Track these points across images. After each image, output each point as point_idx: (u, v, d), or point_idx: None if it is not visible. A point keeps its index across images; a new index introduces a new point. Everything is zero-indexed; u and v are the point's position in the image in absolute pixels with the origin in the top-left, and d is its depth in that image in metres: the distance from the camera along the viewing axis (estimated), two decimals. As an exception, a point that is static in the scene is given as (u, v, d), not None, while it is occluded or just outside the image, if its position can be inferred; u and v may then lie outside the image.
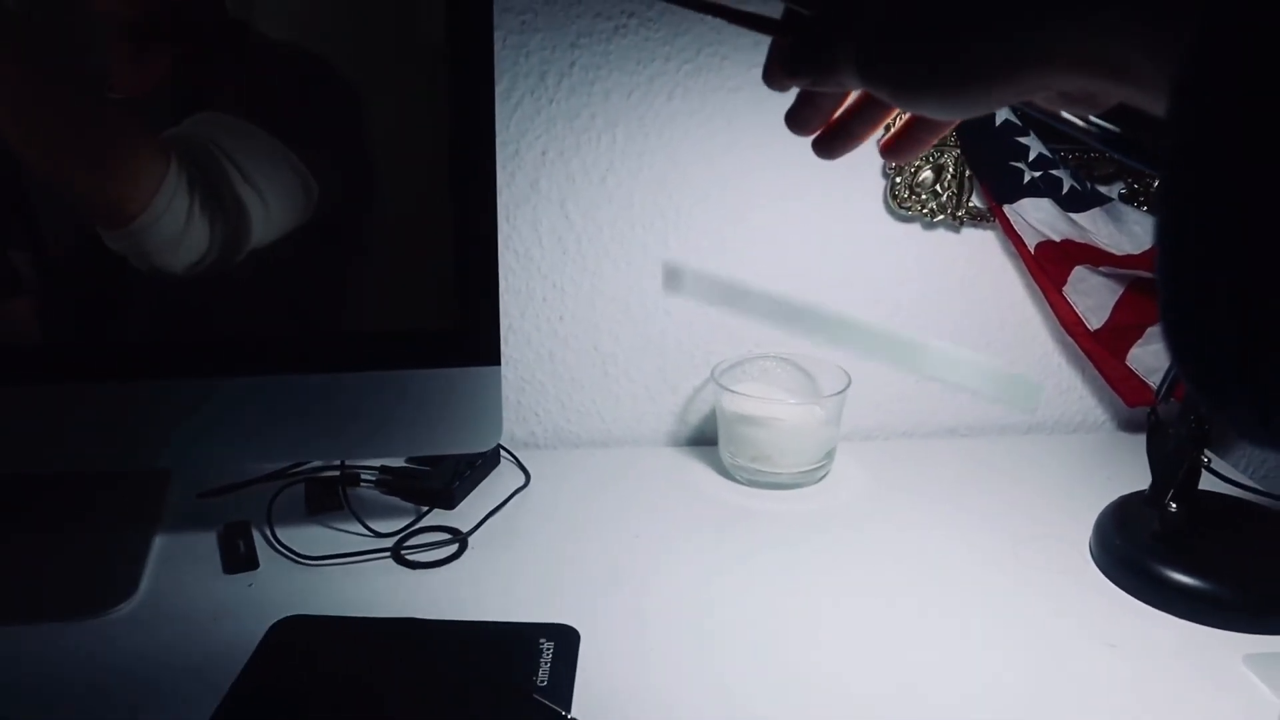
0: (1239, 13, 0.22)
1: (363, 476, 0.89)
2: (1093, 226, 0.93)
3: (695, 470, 0.96)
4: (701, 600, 0.74)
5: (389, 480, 0.89)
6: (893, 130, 0.48)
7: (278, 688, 0.65)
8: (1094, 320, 0.97)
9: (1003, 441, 1.04)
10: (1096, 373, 1.02)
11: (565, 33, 0.89)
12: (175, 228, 0.67)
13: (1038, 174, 0.92)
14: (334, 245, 0.75)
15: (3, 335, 0.72)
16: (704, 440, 1.02)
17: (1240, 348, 0.23)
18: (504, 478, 0.92)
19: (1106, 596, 0.76)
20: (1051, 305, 0.99)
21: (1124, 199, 0.97)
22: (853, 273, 0.99)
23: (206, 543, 0.80)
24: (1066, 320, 0.98)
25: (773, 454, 0.91)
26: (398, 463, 0.91)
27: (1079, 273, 0.95)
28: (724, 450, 0.95)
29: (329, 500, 0.85)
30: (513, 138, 0.91)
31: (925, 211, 0.96)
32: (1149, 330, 0.97)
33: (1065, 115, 0.40)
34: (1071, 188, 0.93)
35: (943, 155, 0.95)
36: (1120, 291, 0.96)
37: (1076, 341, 1.00)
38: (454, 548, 0.80)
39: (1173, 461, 0.78)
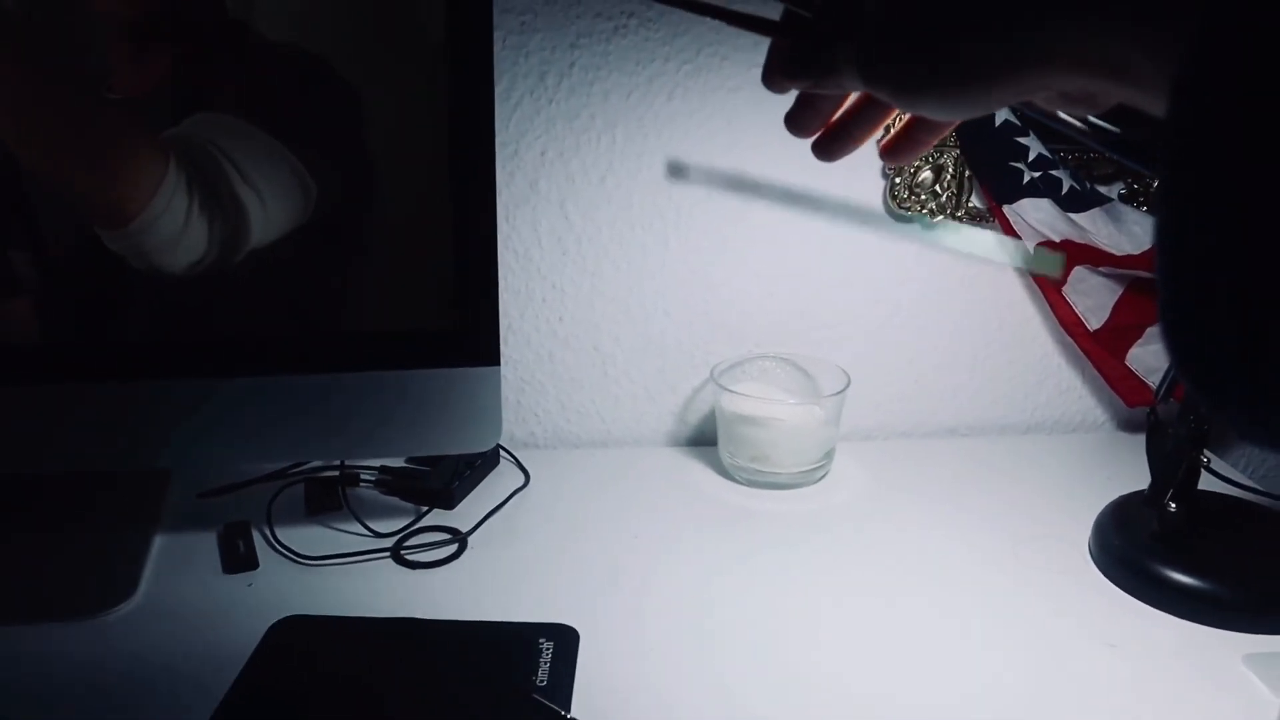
0: (1239, 13, 0.22)
1: (362, 476, 0.89)
2: (1092, 227, 0.94)
3: (695, 470, 0.96)
4: (701, 600, 0.74)
5: (388, 480, 0.89)
6: (892, 132, 0.48)
7: (277, 688, 0.65)
8: (1093, 320, 0.97)
9: (1002, 441, 1.04)
10: (1096, 373, 1.02)
11: (565, 33, 0.89)
12: (174, 228, 0.67)
13: (1037, 174, 0.92)
14: (333, 245, 0.75)
15: (3, 335, 0.72)
16: (703, 440, 1.02)
17: (1240, 348, 0.23)
18: (503, 478, 0.92)
19: (1106, 596, 0.76)
20: (1051, 305, 0.99)
21: (1123, 199, 0.97)
22: (853, 273, 0.99)
23: (206, 543, 0.80)
24: (1066, 320, 0.98)
25: (772, 454, 0.91)
26: (397, 463, 0.91)
27: (1078, 273, 0.95)
28: (723, 450, 0.95)
29: (329, 500, 0.85)
30: (512, 138, 0.91)
31: (925, 212, 0.96)
32: (1148, 330, 0.97)
33: (1063, 116, 0.40)
34: (1071, 188, 0.93)
35: (942, 156, 0.95)
36: (1120, 292, 0.96)
37: (1076, 341, 1.00)
38: (453, 548, 0.80)
39: (1172, 461, 0.78)
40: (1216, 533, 0.80)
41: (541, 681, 0.64)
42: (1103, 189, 0.96)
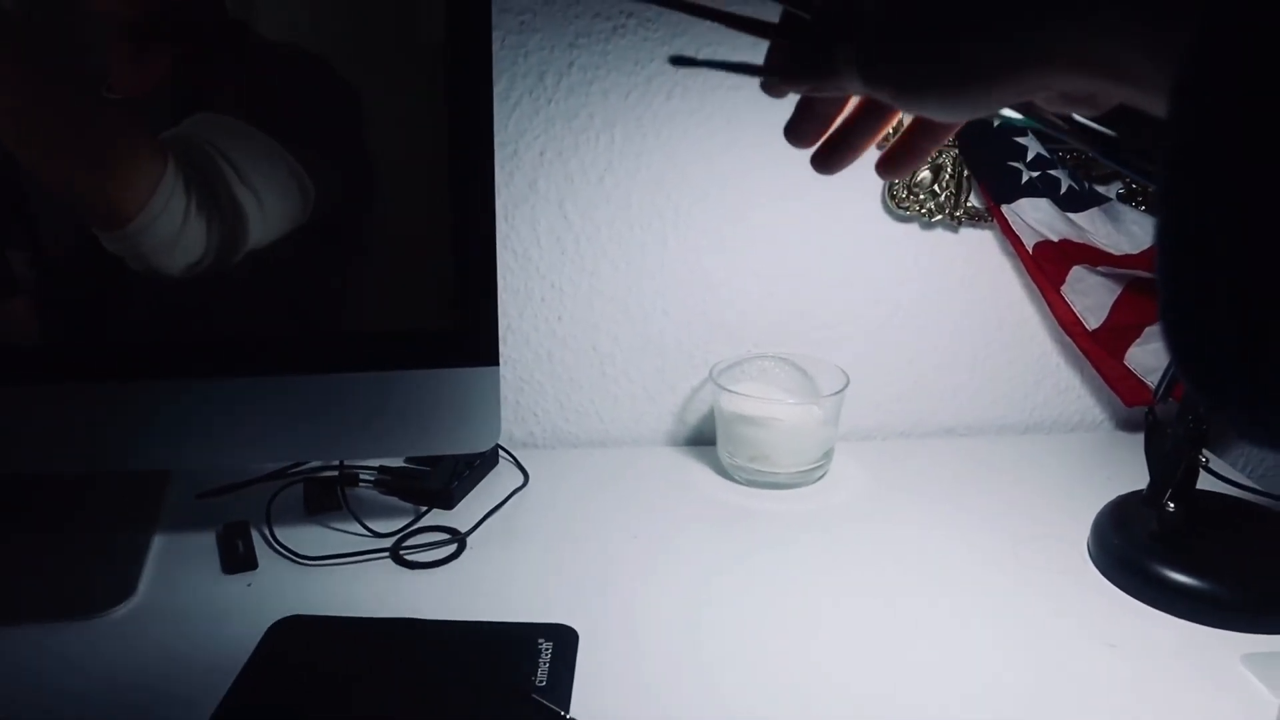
0: (1239, 13, 0.22)
1: (361, 476, 0.89)
2: (1091, 226, 0.94)
3: (694, 470, 0.96)
4: (700, 600, 0.74)
5: (388, 480, 0.89)
6: (890, 143, 0.47)
7: (277, 688, 0.65)
8: (1092, 320, 0.97)
9: (1001, 441, 1.04)
10: (1095, 372, 1.02)
11: (564, 33, 0.89)
12: (172, 229, 0.67)
13: (1036, 174, 0.92)
14: (333, 245, 0.75)
15: (3, 335, 0.72)
16: (702, 440, 1.02)
17: (1240, 348, 0.23)
18: (502, 478, 0.92)
19: (1105, 596, 0.76)
20: (1050, 305, 0.99)
21: (1122, 199, 0.97)
22: (852, 272, 0.99)
23: (205, 543, 0.80)
24: (1065, 320, 0.98)
25: (771, 454, 0.91)
26: (396, 463, 0.91)
27: (1077, 272, 0.95)
28: (722, 450, 0.95)
29: (328, 500, 0.85)
30: (511, 138, 0.91)
31: (924, 211, 0.96)
32: (1147, 330, 0.97)
33: (1053, 119, 0.39)
34: (1070, 188, 0.93)
35: (941, 156, 0.95)
36: (1118, 291, 0.96)
37: (1075, 341, 1.00)
38: (453, 548, 0.80)
39: (1171, 461, 0.78)
40: (1215, 532, 0.80)
41: (541, 681, 0.64)
42: (1101, 189, 0.96)
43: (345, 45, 0.70)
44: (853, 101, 0.46)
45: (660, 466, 0.96)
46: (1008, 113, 0.39)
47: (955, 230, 0.98)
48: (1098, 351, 0.99)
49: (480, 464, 0.91)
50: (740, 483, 0.93)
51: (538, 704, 0.62)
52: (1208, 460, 0.79)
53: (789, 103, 0.47)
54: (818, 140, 0.47)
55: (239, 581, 0.76)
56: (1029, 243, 0.95)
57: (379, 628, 0.70)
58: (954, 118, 0.38)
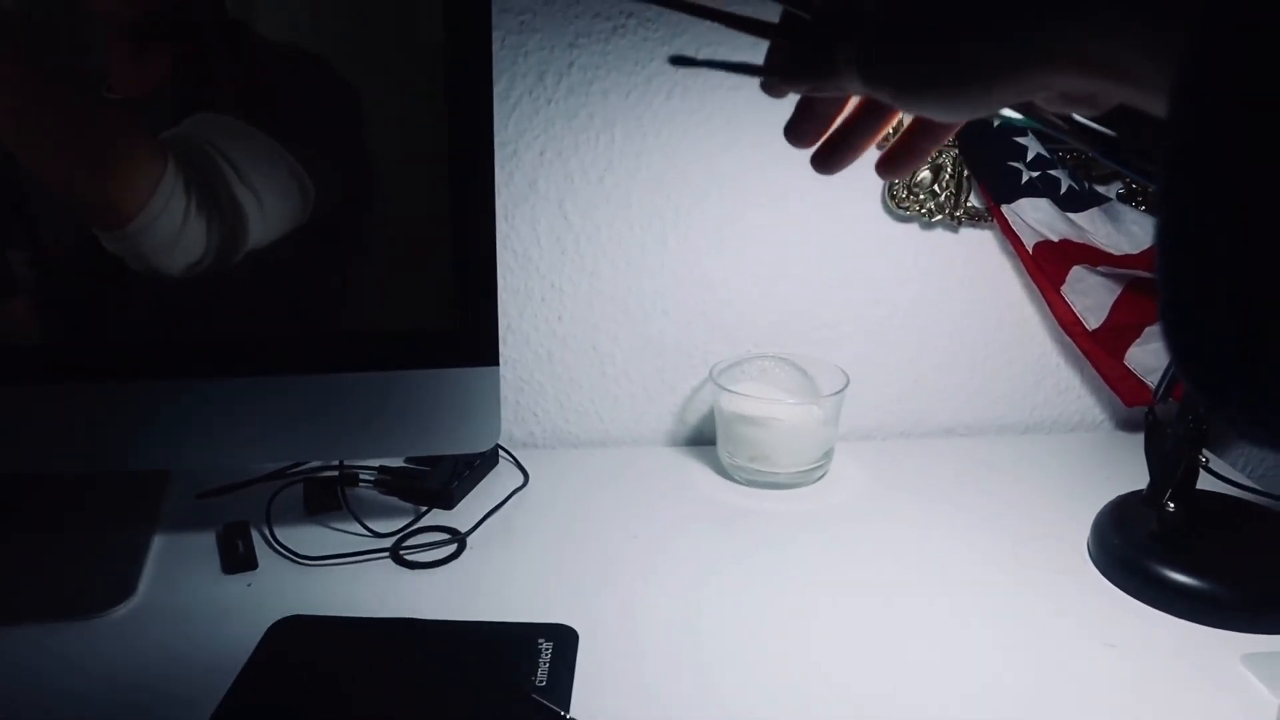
0: (1239, 13, 0.22)
1: (361, 476, 0.89)
2: (1091, 226, 0.94)
3: (693, 470, 0.96)
4: (700, 600, 0.74)
5: (387, 480, 0.89)
6: (890, 144, 0.47)
7: (276, 688, 0.65)
8: (1092, 320, 0.97)
9: (1000, 441, 1.04)
10: (1095, 372, 1.02)
11: (563, 33, 0.89)
12: (172, 229, 0.67)
13: (1036, 174, 0.92)
14: (332, 245, 0.75)
15: (3, 335, 0.72)
16: (702, 440, 1.02)
17: (1240, 348, 0.23)
18: (502, 478, 0.92)
19: (1105, 596, 0.76)
20: (1050, 305, 0.99)
21: (1122, 199, 0.97)
22: (851, 273, 0.99)
23: (205, 543, 0.80)
24: (1065, 320, 0.98)
25: (771, 454, 0.91)
26: (396, 463, 0.91)
27: (1077, 272, 0.95)
28: (722, 450, 0.95)
29: (328, 500, 0.85)
30: (511, 138, 0.91)
31: (923, 211, 0.96)
32: (1147, 330, 0.97)
33: (1053, 119, 0.39)
34: (1069, 188, 0.93)
35: (941, 156, 0.95)
36: (1118, 291, 0.96)
37: (1075, 341, 1.00)
38: (453, 548, 0.80)
39: (1171, 461, 0.78)
40: (1215, 532, 0.80)
41: (540, 681, 0.64)
42: (1101, 189, 0.96)
43: (345, 45, 0.70)
44: (853, 102, 0.46)
45: (660, 466, 0.96)
46: (1008, 113, 0.39)
47: (955, 230, 0.98)
48: (1098, 351, 0.99)
49: (480, 464, 0.91)
50: (740, 483, 0.93)
51: (537, 704, 0.62)
52: (1208, 460, 0.79)
53: (789, 103, 0.47)
54: (818, 140, 0.47)
55: (239, 581, 0.76)
56: (1029, 243, 0.95)
57: (379, 628, 0.70)
58: (954, 118, 0.38)
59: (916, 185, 0.96)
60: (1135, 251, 0.92)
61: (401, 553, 0.79)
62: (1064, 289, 0.96)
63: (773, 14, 0.43)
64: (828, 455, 0.94)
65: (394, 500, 0.87)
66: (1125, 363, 0.99)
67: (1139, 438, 0.83)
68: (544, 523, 0.85)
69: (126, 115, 0.70)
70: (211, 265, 0.70)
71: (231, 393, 0.72)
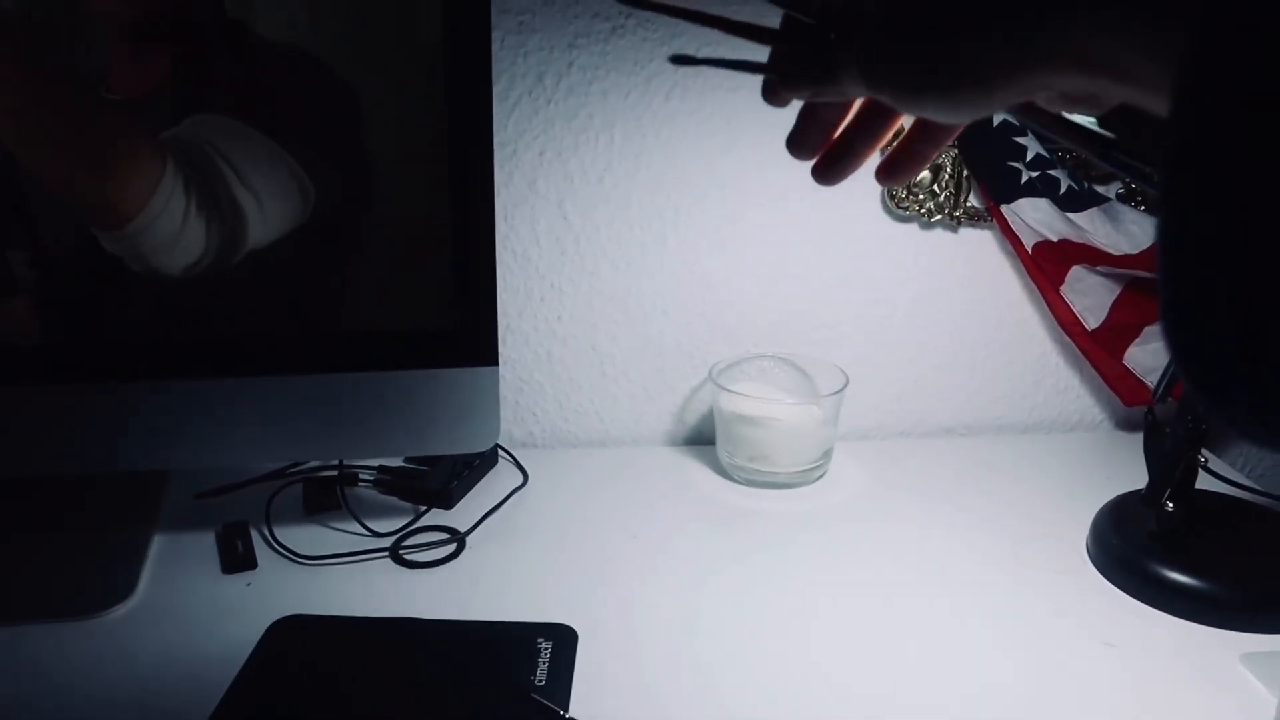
0: (1239, 13, 0.22)
1: (361, 476, 0.89)
2: (1090, 226, 0.94)
3: (693, 470, 0.96)
4: (699, 600, 0.74)
5: (387, 480, 0.89)
6: (890, 150, 0.47)
7: (276, 688, 0.65)
8: (1091, 320, 0.97)
9: (1000, 441, 1.04)
10: (1094, 372, 1.02)
11: (563, 33, 0.89)
12: (171, 229, 0.67)
13: (1035, 174, 0.92)
14: (332, 246, 0.75)
15: (3, 335, 0.71)
16: (702, 440, 1.02)
17: (1240, 348, 0.23)
18: (502, 477, 0.92)
19: (1104, 596, 0.76)
20: (1049, 305, 0.99)
21: (1121, 199, 0.97)
22: (851, 273, 0.99)
23: (205, 543, 0.80)
24: (1064, 320, 0.98)
25: (770, 454, 0.91)
26: (396, 462, 0.91)
27: (1076, 272, 0.95)
28: (722, 450, 0.95)
29: (327, 500, 0.85)
30: (510, 138, 0.91)
31: (923, 211, 0.96)
32: (1146, 329, 0.97)
33: (1050, 122, 0.39)
34: (1069, 188, 0.93)
35: (940, 156, 0.95)
36: (1117, 291, 0.96)
37: (1074, 341, 1.00)
38: (452, 547, 0.80)
39: (1170, 461, 0.78)
40: (1214, 532, 0.80)
41: (540, 681, 0.64)
42: (1100, 189, 0.96)
43: (345, 45, 0.70)
44: (854, 108, 0.46)
45: (659, 466, 0.96)
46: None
47: (955, 230, 0.98)
48: (1097, 351, 0.99)
49: (479, 464, 0.91)
50: (739, 482, 0.93)
51: (537, 703, 0.62)
52: (1206, 460, 0.79)
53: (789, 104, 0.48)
54: (821, 148, 0.47)
55: (238, 581, 0.76)
56: (1028, 243, 0.95)
57: (378, 627, 0.70)
58: (955, 118, 0.38)
59: (916, 185, 0.96)
60: (1134, 251, 0.92)
61: (401, 552, 0.79)
62: (1063, 289, 0.96)
63: (774, 19, 0.43)
64: (827, 455, 0.94)
65: (393, 500, 0.87)
66: (1124, 362, 0.99)
67: (1138, 437, 0.83)
68: (543, 522, 0.85)
69: (126, 115, 0.70)
70: (211, 265, 0.70)
71: (231, 393, 0.72)
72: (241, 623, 0.70)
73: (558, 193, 0.93)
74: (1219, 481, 0.84)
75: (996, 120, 0.92)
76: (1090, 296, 0.96)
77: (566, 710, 0.62)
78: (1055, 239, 0.93)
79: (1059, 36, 0.31)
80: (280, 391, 0.73)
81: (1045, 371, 1.05)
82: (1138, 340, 0.98)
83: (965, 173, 0.95)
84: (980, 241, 0.99)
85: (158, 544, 0.80)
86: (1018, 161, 0.92)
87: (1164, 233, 0.25)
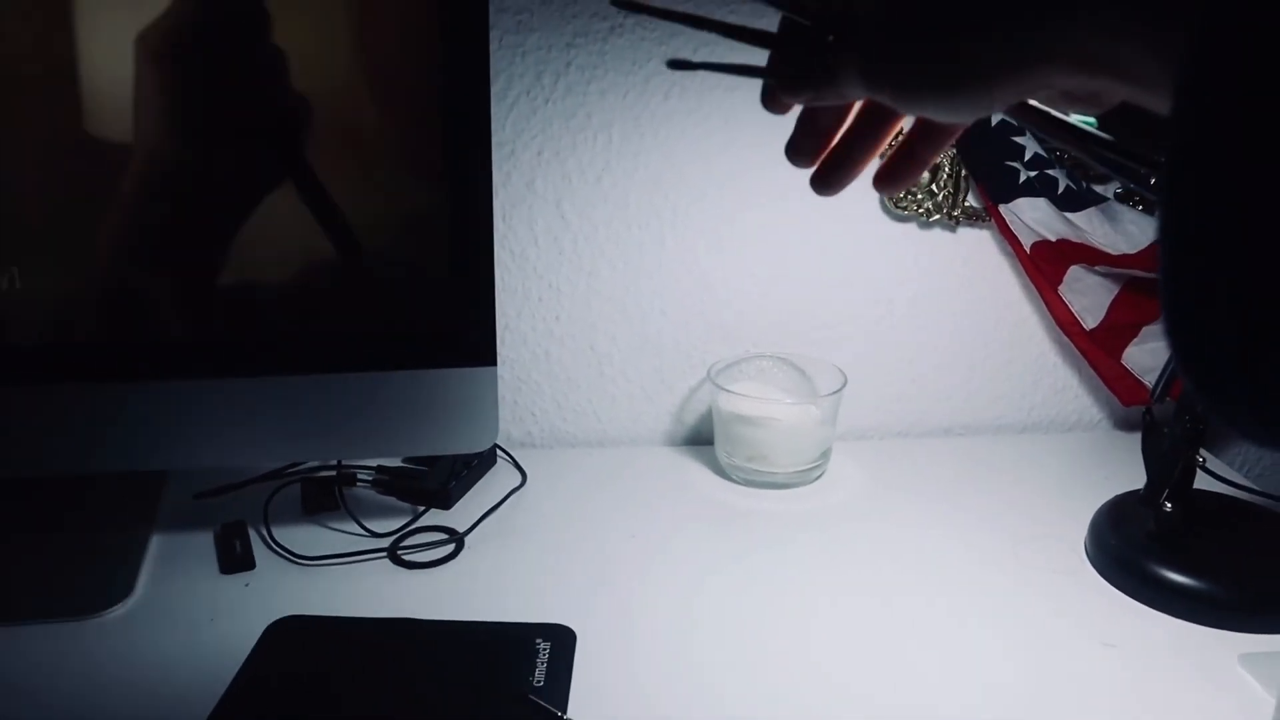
0: (1239, 13, 0.22)
1: (359, 476, 0.89)
2: (1088, 226, 0.94)
3: (691, 470, 0.96)
4: (698, 600, 0.74)
5: (385, 480, 0.89)
6: (889, 154, 0.47)
7: (275, 688, 0.64)
8: (1090, 320, 0.97)
9: (998, 441, 1.04)
10: (1092, 372, 1.02)
11: (561, 33, 0.89)
12: None
13: (1033, 174, 0.92)
14: (330, 245, 0.75)
15: (3, 335, 0.71)
16: (700, 440, 1.02)
17: (1240, 348, 0.23)
18: (500, 477, 0.92)
19: (1102, 596, 0.76)
20: (1047, 304, 0.99)
21: (1119, 199, 0.97)
22: (850, 273, 0.99)
23: (203, 543, 0.80)
24: (1062, 319, 0.98)
25: (769, 454, 0.91)
26: (394, 462, 0.91)
27: (1075, 272, 0.95)
28: (720, 450, 0.95)
29: (325, 500, 0.85)
30: (509, 138, 0.91)
31: (921, 211, 0.96)
32: (1145, 329, 0.97)
33: (1058, 117, 0.39)
34: (1067, 187, 0.93)
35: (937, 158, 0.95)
36: (1116, 291, 0.96)
37: (1072, 341, 1.00)
38: (450, 548, 0.80)
39: (1168, 461, 0.78)
40: (1212, 532, 0.80)
41: (538, 682, 0.64)
42: (1099, 188, 0.96)
43: (341, 44, 0.70)
44: (853, 112, 0.46)
45: (658, 466, 0.96)
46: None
47: (953, 230, 0.98)
48: (1095, 351, 0.99)
49: (478, 464, 0.91)
50: (738, 482, 0.93)
51: (535, 704, 0.62)
52: (1205, 460, 0.79)
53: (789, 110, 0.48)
54: (820, 154, 0.47)
55: (237, 581, 0.76)
56: (1026, 242, 0.95)
57: (377, 628, 0.70)
58: (955, 118, 0.38)
59: (915, 185, 0.96)
60: (1133, 251, 0.93)
61: (399, 552, 0.79)
62: (1061, 289, 0.96)
63: (772, 23, 0.43)
64: (826, 455, 0.94)
65: (392, 500, 0.87)
66: (1123, 362, 0.99)
67: (1136, 437, 0.83)
68: (542, 522, 0.85)
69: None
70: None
71: (229, 393, 0.72)
72: (240, 623, 0.70)
73: (556, 192, 0.93)
74: (1217, 481, 0.85)
75: (994, 120, 0.92)
76: (1088, 296, 0.97)
77: (565, 711, 0.62)
78: (1053, 239, 0.93)
79: (1059, 36, 0.31)
80: (278, 391, 0.73)
81: (1044, 371, 1.05)
82: (1136, 340, 0.98)
83: (963, 173, 0.95)
84: (979, 241, 0.99)
85: (156, 544, 0.80)
86: (1016, 161, 0.92)
87: (1164, 232, 0.25)
